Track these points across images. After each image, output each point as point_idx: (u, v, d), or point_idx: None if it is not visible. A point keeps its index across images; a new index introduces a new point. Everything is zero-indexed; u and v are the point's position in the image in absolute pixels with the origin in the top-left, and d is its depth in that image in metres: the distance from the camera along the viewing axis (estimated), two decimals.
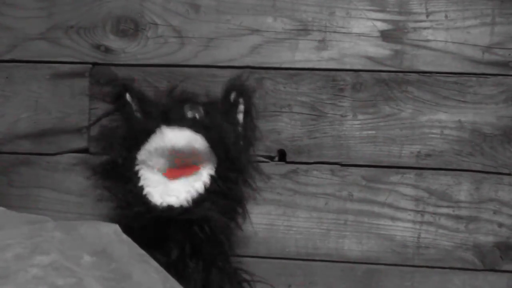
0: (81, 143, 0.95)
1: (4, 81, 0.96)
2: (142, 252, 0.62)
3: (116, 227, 0.62)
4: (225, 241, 0.81)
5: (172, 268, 0.75)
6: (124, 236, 0.62)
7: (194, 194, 0.76)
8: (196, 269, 0.79)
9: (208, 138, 0.77)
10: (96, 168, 0.83)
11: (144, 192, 0.76)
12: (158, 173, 0.77)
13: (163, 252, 0.77)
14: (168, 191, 0.75)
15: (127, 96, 0.82)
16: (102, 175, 0.82)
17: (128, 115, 0.82)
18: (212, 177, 0.77)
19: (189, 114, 0.77)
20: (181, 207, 0.75)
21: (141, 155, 0.78)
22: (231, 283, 0.82)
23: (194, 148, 0.76)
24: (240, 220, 0.83)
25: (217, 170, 0.78)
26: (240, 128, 0.82)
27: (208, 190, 0.77)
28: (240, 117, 0.83)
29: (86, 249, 0.57)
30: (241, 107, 0.83)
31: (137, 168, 0.78)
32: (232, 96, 0.83)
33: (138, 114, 0.81)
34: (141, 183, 0.77)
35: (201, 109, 0.78)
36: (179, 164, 0.77)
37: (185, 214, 0.75)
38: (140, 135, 0.78)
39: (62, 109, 0.95)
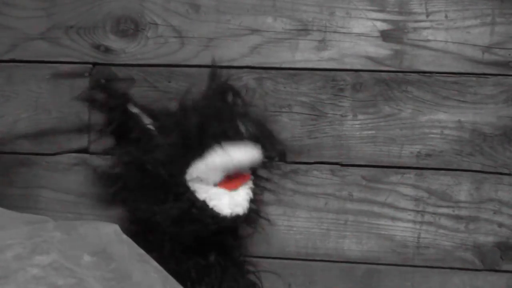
0: (81, 143, 0.95)
1: (4, 81, 0.96)
2: (142, 252, 0.62)
3: (116, 227, 0.62)
4: (242, 237, 0.85)
5: (206, 268, 0.78)
6: (124, 236, 0.62)
7: (249, 201, 0.79)
8: (218, 266, 0.80)
9: (264, 148, 0.79)
10: (122, 186, 0.81)
11: (210, 205, 0.76)
12: (213, 187, 0.77)
13: (203, 256, 0.80)
14: (234, 201, 0.77)
15: (131, 107, 0.81)
16: (132, 193, 0.81)
17: (139, 129, 0.80)
18: (254, 182, 0.81)
19: (243, 128, 0.78)
20: (244, 214, 0.77)
21: (196, 171, 0.76)
22: (243, 275, 0.84)
23: (255, 160, 0.78)
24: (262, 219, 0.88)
25: (254, 175, 0.82)
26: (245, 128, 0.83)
27: (254, 194, 0.81)
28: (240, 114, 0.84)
29: (86, 249, 0.57)
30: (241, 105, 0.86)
31: (189, 183, 0.77)
32: (230, 97, 0.85)
33: (151, 127, 0.79)
34: (202, 197, 0.77)
35: (251, 122, 0.79)
36: (233, 174, 0.78)
37: (245, 221, 0.79)
38: (193, 152, 0.76)
39: (62, 109, 0.95)
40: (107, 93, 0.84)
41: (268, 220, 0.90)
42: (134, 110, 0.81)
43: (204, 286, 0.79)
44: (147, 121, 0.80)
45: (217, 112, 0.79)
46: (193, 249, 0.79)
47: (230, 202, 0.77)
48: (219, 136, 0.76)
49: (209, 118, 0.78)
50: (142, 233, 0.77)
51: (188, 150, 0.76)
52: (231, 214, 0.76)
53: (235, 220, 0.77)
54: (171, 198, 0.77)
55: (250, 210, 0.79)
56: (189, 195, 0.76)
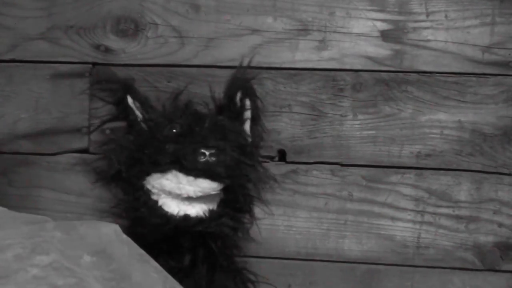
0: (81, 143, 0.95)
1: (4, 81, 0.96)
2: (142, 252, 0.62)
3: (116, 227, 0.62)
4: (231, 246, 0.82)
5: (182, 271, 0.76)
6: (124, 236, 0.62)
7: (210, 208, 0.77)
8: (200, 273, 0.79)
9: (224, 182, 0.76)
10: (100, 174, 0.82)
11: (160, 203, 0.76)
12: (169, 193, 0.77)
13: (176, 259, 0.78)
14: (185, 202, 0.75)
15: (129, 99, 0.81)
16: (107, 181, 0.81)
17: (132, 123, 0.80)
18: (224, 199, 0.78)
19: (203, 158, 0.73)
20: (197, 217, 0.75)
21: (153, 181, 0.76)
22: (236, 283, 0.83)
23: (210, 194, 0.76)
24: (247, 227, 0.85)
25: (228, 195, 0.79)
26: (247, 129, 0.82)
27: (222, 205, 0.78)
28: (247, 117, 0.82)
29: (86, 249, 0.57)
30: (248, 111, 0.82)
31: (145, 186, 0.77)
32: (238, 97, 0.81)
33: (143, 124, 0.79)
34: (153, 197, 0.76)
35: (214, 151, 0.74)
36: None
37: (200, 226, 0.76)
38: (151, 167, 0.76)
39: (62, 109, 0.95)
40: (113, 84, 0.83)
41: (252, 225, 0.86)
42: (131, 103, 0.80)
43: None
44: (139, 115, 0.80)
45: (185, 133, 0.77)
46: (165, 253, 0.77)
47: (181, 202, 0.75)
48: (177, 161, 0.74)
49: (174, 138, 0.76)
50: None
51: (151, 158, 0.76)
52: (178, 212, 0.75)
53: (185, 221, 0.75)
54: (131, 196, 0.78)
55: (217, 221, 0.77)
56: (144, 195, 0.76)
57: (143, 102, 0.81)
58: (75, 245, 0.57)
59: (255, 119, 0.83)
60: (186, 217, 0.75)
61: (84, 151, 0.95)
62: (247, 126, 0.83)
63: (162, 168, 0.75)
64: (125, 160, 0.78)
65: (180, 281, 0.73)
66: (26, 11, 0.95)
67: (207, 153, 0.73)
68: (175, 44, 0.93)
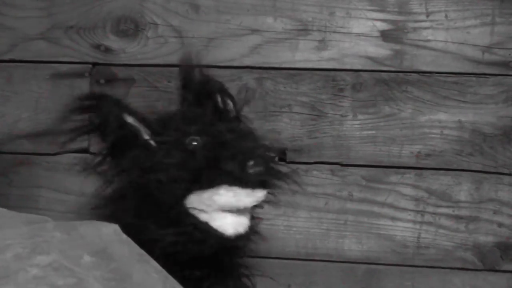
0: (81, 143, 0.95)
1: (4, 81, 0.96)
2: (142, 252, 0.62)
3: (116, 227, 0.62)
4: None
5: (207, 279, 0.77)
6: (124, 236, 0.62)
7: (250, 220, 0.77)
8: (218, 276, 0.79)
9: (271, 188, 0.76)
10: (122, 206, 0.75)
11: (214, 226, 0.75)
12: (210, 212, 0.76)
13: (198, 269, 0.77)
14: (237, 221, 0.75)
15: (127, 117, 0.74)
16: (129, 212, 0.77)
17: (144, 145, 0.74)
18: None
19: (252, 171, 0.72)
20: (246, 233, 0.76)
21: (197, 199, 0.73)
22: (233, 277, 0.83)
23: (263, 202, 0.76)
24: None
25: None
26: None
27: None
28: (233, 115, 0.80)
29: (86, 249, 0.57)
30: (232, 110, 0.79)
31: (188, 207, 0.74)
32: (218, 99, 0.79)
33: (153, 143, 0.73)
34: (203, 218, 0.75)
35: (262, 162, 0.73)
36: None
37: (246, 241, 0.77)
38: (200, 182, 0.72)
39: (62, 109, 0.95)
40: (100, 101, 0.75)
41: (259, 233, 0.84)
42: (131, 121, 0.74)
43: None
44: (146, 135, 0.74)
45: (231, 151, 0.73)
46: (187, 263, 0.76)
47: (233, 221, 0.75)
48: (229, 175, 0.72)
49: (221, 153, 0.72)
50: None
51: (192, 176, 0.72)
52: (235, 233, 0.75)
53: (238, 239, 0.75)
54: (173, 221, 0.73)
55: (250, 227, 0.78)
56: (191, 218, 0.75)
57: (142, 120, 0.74)
58: (75, 245, 0.56)
59: (238, 117, 0.80)
60: (240, 236, 0.75)
61: (84, 151, 0.95)
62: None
63: (211, 185, 0.72)
64: (164, 184, 0.72)
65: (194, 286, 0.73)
66: (26, 11, 0.95)
67: (252, 163, 0.74)
68: (175, 44, 0.93)
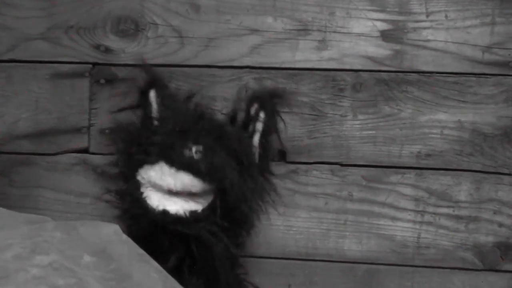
0: (81, 143, 0.95)
1: (4, 81, 0.96)
2: (142, 252, 0.62)
3: (116, 227, 0.62)
4: (228, 258, 0.80)
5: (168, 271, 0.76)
6: (124, 236, 0.62)
7: (192, 209, 0.76)
8: (193, 283, 0.79)
9: (207, 181, 0.75)
10: (97, 167, 0.83)
11: (144, 195, 0.76)
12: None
13: (162, 260, 0.77)
14: (168, 198, 0.75)
15: (151, 93, 0.81)
16: (104, 175, 0.83)
17: (146, 118, 0.81)
18: (211, 205, 0.77)
19: (188, 153, 0.73)
20: (176, 215, 0.75)
21: (142, 172, 0.77)
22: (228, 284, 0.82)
23: (191, 191, 0.75)
24: (242, 240, 0.84)
25: (214, 202, 0.77)
26: (256, 142, 0.81)
27: (207, 211, 0.76)
28: (258, 129, 0.81)
29: (86, 249, 0.57)
30: (260, 123, 0.81)
31: (137, 177, 0.78)
32: (254, 108, 0.81)
33: (155, 122, 0.79)
34: (141, 189, 0.77)
35: (201, 148, 0.74)
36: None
37: (179, 225, 0.75)
38: (141, 158, 0.76)
39: (62, 109, 0.95)
40: (144, 74, 0.83)
41: (245, 241, 0.86)
42: (152, 99, 0.81)
43: None
44: (155, 113, 0.80)
45: (173, 130, 0.76)
46: (152, 250, 0.77)
47: (164, 197, 0.76)
48: (161, 155, 0.74)
49: (164, 139, 0.76)
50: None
51: (139, 153, 0.76)
52: (157, 207, 0.75)
53: (163, 216, 0.74)
54: (125, 188, 0.79)
55: (198, 224, 0.75)
56: (136, 192, 0.77)
57: (165, 100, 0.81)
58: (75, 245, 0.57)
59: (266, 133, 0.82)
60: (165, 212, 0.75)
61: (84, 151, 0.95)
62: (256, 138, 0.81)
63: (151, 159, 0.75)
64: (123, 150, 0.79)
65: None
66: (26, 11, 0.95)
67: (194, 148, 0.74)
68: (175, 44, 0.93)
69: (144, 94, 0.82)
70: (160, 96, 0.81)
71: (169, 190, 0.75)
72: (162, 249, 0.77)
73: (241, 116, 0.82)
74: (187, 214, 0.75)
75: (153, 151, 0.75)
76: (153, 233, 0.76)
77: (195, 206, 0.76)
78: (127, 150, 0.78)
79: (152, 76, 0.83)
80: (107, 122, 0.93)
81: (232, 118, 0.82)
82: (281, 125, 0.84)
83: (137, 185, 0.77)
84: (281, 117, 0.84)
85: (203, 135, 0.75)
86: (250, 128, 0.81)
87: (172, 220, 0.75)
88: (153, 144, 0.75)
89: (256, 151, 0.82)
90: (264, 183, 0.82)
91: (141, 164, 0.77)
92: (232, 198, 0.76)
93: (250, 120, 0.81)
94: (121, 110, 0.85)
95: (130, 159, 0.78)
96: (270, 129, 0.82)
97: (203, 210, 0.76)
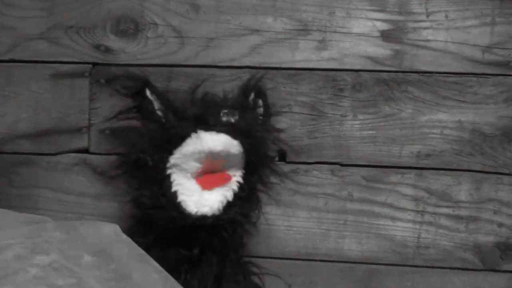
0: (81, 143, 0.95)
1: (4, 81, 0.96)
2: (142, 252, 0.62)
3: (116, 227, 0.62)
4: (240, 238, 0.85)
5: (189, 261, 0.78)
6: (124, 236, 0.62)
7: (225, 203, 0.80)
8: (210, 263, 0.81)
9: (243, 143, 0.80)
10: (97, 167, 0.83)
11: (179, 199, 0.77)
12: (191, 179, 0.79)
13: (186, 248, 0.81)
14: (203, 201, 0.78)
15: (147, 91, 0.84)
16: (128, 175, 0.83)
17: (149, 113, 0.83)
18: (240, 184, 0.82)
19: (225, 118, 0.79)
20: (213, 215, 0.78)
21: (175, 158, 0.79)
22: (244, 275, 0.84)
23: (230, 153, 0.79)
24: (255, 219, 0.89)
25: (244, 177, 0.82)
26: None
27: (236, 196, 0.81)
28: (259, 114, 0.87)
29: (86, 249, 0.57)
30: (260, 109, 0.87)
31: (168, 171, 0.80)
32: (251, 97, 0.87)
33: (159, 113, 0.82)
34: (174, 188, 0.78)
35: (236, 113, 0.80)
36: (213, 168, 0.79)
37: (215, 221, 0.79)
38: (174, 138, 0.79)
39: (62, 109, 0.95)
40: (132, 79, 0.87)
41: (259, 218, 0.90)
42: (150, 95, 0.84)
43: (198, 282, 0.80)
44: (157, 106, 0.84)
45: (205, 101, 0.82)
46: (177, 240, 0.80)
47: (198, 201, 0.77)
48: (198, 123, 0.78)
49: (199, 108, 0.80)
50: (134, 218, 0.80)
51: (170, 137, 0.79)
52: (196, 213, 0.77)
53: (202, 220, 0.77)
54: (154, 184, 0.80)
55: (229, 212, 0.79)
56: (165, 183, 0.78)
57: (161, 96, 0.85)
58: (75, 245, 0.57)
59: (266, 117, 0.88)
60: (204, 216, 0.78)
61: (84, 151, 0.95)
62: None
63: (185, 132, 0.78)
64: (148, 147, 0.80)
65: (189, 270, 0.76)
66: (26, 11, 0.95)
67: (228, 112, 0.79)
68: (175, 44, 0.93)
69: (140, 93, 0.84)
70: (155, 94, 0.85)
71: (204, 167, 0.78)
72: (190, 240, 0.81)
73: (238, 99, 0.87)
74: (221, 210, 0.79)
75: (187, 122, 0.79)
76: (185, 229, 0.78)
77: (228, 193, 0.80)
78: (155, 144, 0.79)
79: (144, 77, 0.87)
80: (107, 123, 0.93)
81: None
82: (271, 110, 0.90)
83: (170, 184, 0.79)
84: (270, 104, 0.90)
85: (231, 106, 0.82)
86: (254, 112, 0.87)
87: (211, 222, 0.78)
88: (187, 117, 0.79)
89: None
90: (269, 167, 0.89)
91: (171, 151, 0.78)
92: (260, 156, 0.83)
93: (249, 106, 0.86)
94: (119, 114, 0.87)
95: (159, 153, 0.79)
96: (269, 113, 0.89)
97: (234, 196, 0.81)
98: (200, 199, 0.78)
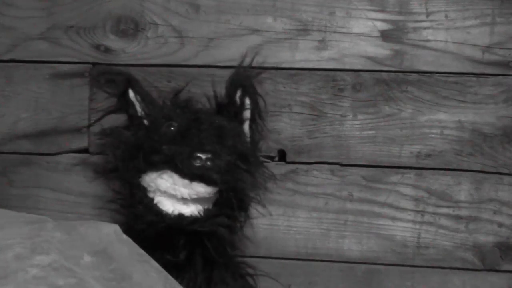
0: (81, 143, 0.95)
1: (4, 81, 0.96)
2: (142, 252, 0.62)
3: (116, 227, 0.62)
4: (228, 241, 0.82)
5: (176, 267, 0.76)
6: (124, 236, 0.62)
7: (205, 207, 0.77)
8: (196, 267, 0.80)
9: (219, 187, 0.76)
10: (98, 169, 0.84)
11: (155, 201, 0.76)
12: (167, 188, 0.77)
13: (172, 253, 0.79)
14: (180, 201, 0.76)
15: (130, 93, 0.82)
16: (105, 177, 0.83)
17: (131, 116, 0.81)
18: (220, 196, 0.78)
19: (198, 163, 0.73)
20: (191, 216, 0.76)
21: (149, 180, 0.77)
22: (234, 278, 0.83)
23: (205, 197, 0.76)
24: (242, 225, 0.86)
25: (223, 196, 0.78)
26: (247, 129, 0.84)
27: (218, 204, 0.78)
28: (247, 117, 0.84)
29: (86, 249, 0.57)
30: (248, 110, 0.83)
31: (141, 180, 0.78)
32: (238, 95, 0.83)
33: (142, 113, 0.81)
34: (151, 195, 0.77)
35: (210, 155, 0.74)
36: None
37: (195, 225, 0.77)
38: (149, 164, 0.76)
39: (62, 109, 0.95)
40: (116, 77, 0.85)
41: (246, 223, 0.87)
42: (132, 97, 0.82)
43: (185, 285, 0.78)
44: (140, 109, 0.81)
45: (185, 133, 0.77)
46: (162, 245, 0.78)
47: (176, 201, 0.76)
48: (170, 166, 0.74)
49: (174, 138, 0.76)
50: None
51: (144, 159, 0.76)
52: (172, 211, 0.75)
53: (179, 220, 0.75)
54: (128, 192, 0.79)
55: (211, 220, 0.77)
56: (145, 198, 0.77)
57: (145, 97, 0.83)
58: (75, 245, 0.57)
59: (254, 119, 0.84)
60: (181, 216, 0.76)
61: (84, 151, 0.95)
62: (246, 126, 0.84)
63: (157, 168, 0.75)
64: (122, 156, 0.79)
65: (176, 275, 0.74)
66: (26, 11, 0.95)
67: (203, 157, 0.74)
68: (175, 44, 0.93)
69: (122, 95, 0.82)
70: (139, 95, 0.82)
71: (182, 198, 0.75)
72: (174, 246, 0.79)
73: (224, 101, 0.83)
74: (201, 213, 0.77)
75: (159, 160, 0.75)
76: (167, 234, 0.77)
77: (207, 204, 0.78)
78: (127, 156, 0.78)
79: (127, 76, 0.84)
80: (107, 123, 0.93)
81: (220, 106, 0.84)
82: (262, 104, 0.86)
83: (145, 192, 0.77)
84: (261, 97, 0.85)
85: (206, 138, 0.76)
86: (239, 116, 0.83)
87: (189, 223, 0.76)
88: (159, 153, 0.75)
89: (248, 138, 0.84)
90: (258, 169, 0.84)
91: (144, 170, 0.77)
92: (240, 191, 0.78)
93: (237, 107, 0.82)
94: (102, 116, 0.86)
95: (131, 165, 0.78)
96: (258, 114, 0.84)
97: (214, 205, 0.78)
98: (178, 199, 0.76)
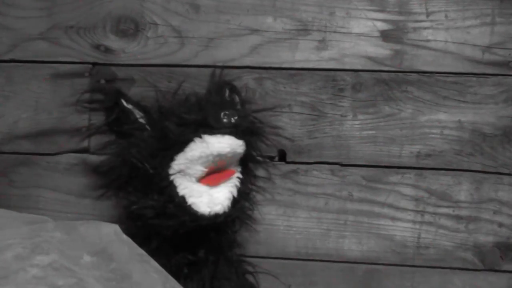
0: (81, 143, 0.95)
1: (4, 81, 0.96)
2: (142, 252, 0.62)
3: (116, 227, 0.62)
4: (234, 235, 0.85)
5: (188, 266, 0.78)
6: (124, 236, 0.62)
7: (232, 199, 0.79)
8: (207, 263, 0.81)
9: (247, 142, 0.80)
10: (98, 167, 0.84)
11: (189, 202, 0.77)
12: (195, 181, 0.78)
13: (191, 252, 0.80)
14: (214, 200, 0.77)
15: (123, 102, 0.83)
16: (124, 185, 0.83)
17: (132, 122, 0.82)
18: (240, 179, 0.81)
19: (226, 120, 0.77)
20: (225, 213, 0.77)
21: (177, 164, 0.78)
22: (237, 273, 0.84)
23: (236, 153, 0.78)
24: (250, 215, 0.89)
25: (242, 172, 0.82)
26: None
27: (240, 192, 0.81)
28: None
29: (86, 249, 0.57)
30: (238, 106, 0.87)
31: (172, 177, 0.78)
32: (227, 93, 0.86)
33: (142, 120, 0.81)
34: (181, 193, 0.77)
35: (236, 113, 0.78)
36: (216, 169, 0.79)
37: (226, 219, 0.78)
38: (176, 145, 0.77)
39: (62, 109, 0.95)
40: (103, 92, 0.87)
41: (253, 219, 0.90)
42: (127, 105, 0.83)
43: (196, 283, 0.79)
44: (138, 115, 0.82)
45: (202, 103, 0.81)
46: (182, 244, 0.79)
47: (210, 200, 0.77)
48: (200, 127, 0.77)
49: (192, 110, 0.79)
50: (135, 227, 0.79)
51: (170, 143, 0.78)
52: (209, 212, 0.76)
53: (215, 219, 0.77)
54: (155, 192, 0.79)
55: (236, 207, 0.79)
56: (170, 189, 0.77)
57: (137, 105, 0.84)
58: (75, 245, 0.57)
59: (243, 113, 0.86)
60: (217, 215, 0.77)
61: (84, 151, 0.95)
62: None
63: (188, 137, 0.77)
64: (146, 156, 0.79)
65: (188, 274, 0.75)
66: (26, 11, 0.95)
67: (228, 113, 0.78)
68: (175, 44, 0.93)
69: (115, 105, 0.83)
70: (131, 104, 0.84)
71: (208, 170, 0.77)
72: (194, 245, 0.81)
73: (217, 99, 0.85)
74: (230, 204, 0.78)
75: (188, 128, 0.77)
76: (191, 233, 0.79)
77: (233, 189, 0.80)
78: (150, 152, 0.78)
79: (115, 88, 0.88)
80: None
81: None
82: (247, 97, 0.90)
83: (175, 189, 0.78)
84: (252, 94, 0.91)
85: (223, 103, 0.82)
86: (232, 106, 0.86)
87: (223, 219, 0.78)
88: (187, 122, 0.78)
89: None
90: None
91: (172, 156, 0.78)
92: (260, 152, 0.85)
93: (227, 103, 0.86)
94: (97, 132, 0.87)
95: (158, 159, 0.78)
96: (245, 108, 0.88)
97: (238, 192, 0.80)
98: (211, 198, 0.78)
